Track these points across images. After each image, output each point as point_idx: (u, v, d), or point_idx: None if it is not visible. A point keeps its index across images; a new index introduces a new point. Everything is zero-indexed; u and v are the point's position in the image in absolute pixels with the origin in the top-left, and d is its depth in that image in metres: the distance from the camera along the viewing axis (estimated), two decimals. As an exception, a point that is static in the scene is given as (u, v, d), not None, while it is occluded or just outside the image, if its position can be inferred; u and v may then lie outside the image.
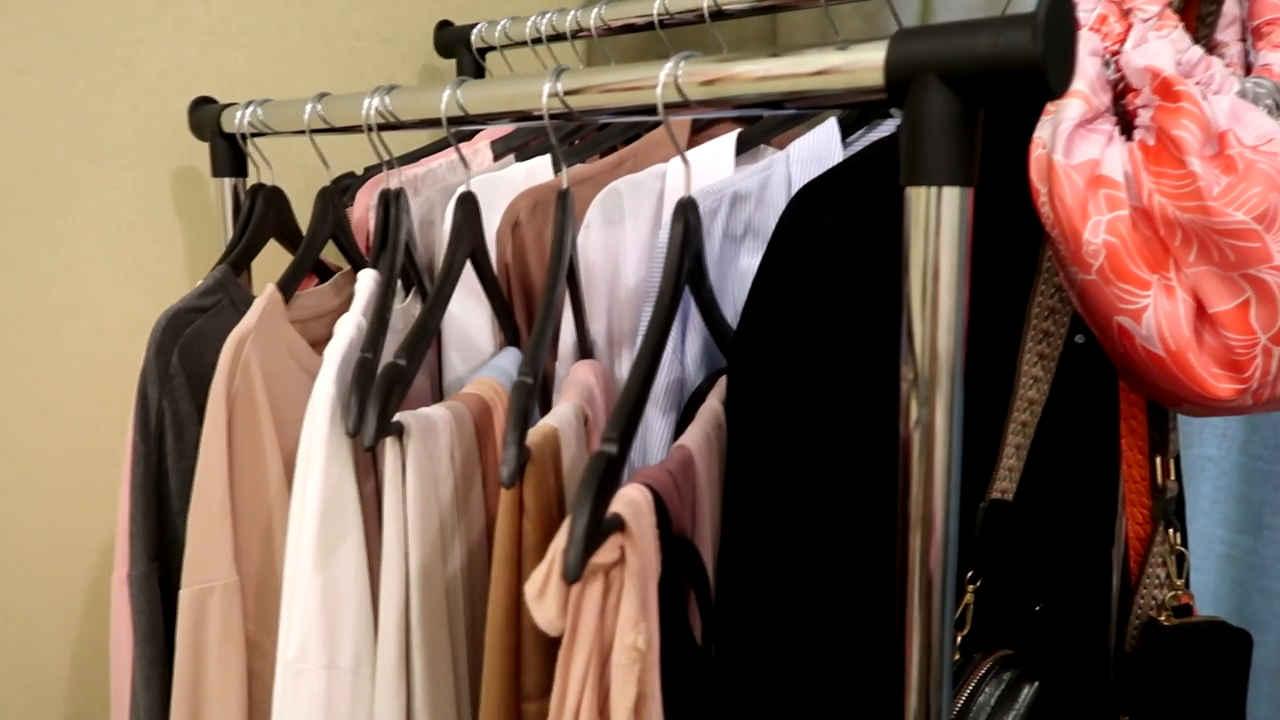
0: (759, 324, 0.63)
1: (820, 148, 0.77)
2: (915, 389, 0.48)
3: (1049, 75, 0.41)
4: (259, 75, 1.09)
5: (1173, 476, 0.69)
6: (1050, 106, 0.59)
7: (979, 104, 0.44)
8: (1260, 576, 0.98)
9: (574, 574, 0.41)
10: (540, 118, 0.63)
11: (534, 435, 0.52)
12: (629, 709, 0.44)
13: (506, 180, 0.94)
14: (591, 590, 0.44)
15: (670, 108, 0.56)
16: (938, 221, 0.46)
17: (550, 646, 0.47)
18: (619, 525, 0.44)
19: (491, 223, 0.87)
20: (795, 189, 0.78)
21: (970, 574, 0.65)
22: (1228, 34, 0.67)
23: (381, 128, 0.75)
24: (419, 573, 0.58)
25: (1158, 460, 0.69)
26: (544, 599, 0.44)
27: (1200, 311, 0.56)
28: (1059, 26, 0.41)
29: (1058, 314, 0.65)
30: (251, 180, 0.94)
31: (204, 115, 0.96)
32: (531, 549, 0.49)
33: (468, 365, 0.88)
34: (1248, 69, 0.66)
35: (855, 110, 0.79)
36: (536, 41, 1.07)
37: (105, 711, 1.03)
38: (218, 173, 0.96)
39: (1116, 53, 0.59)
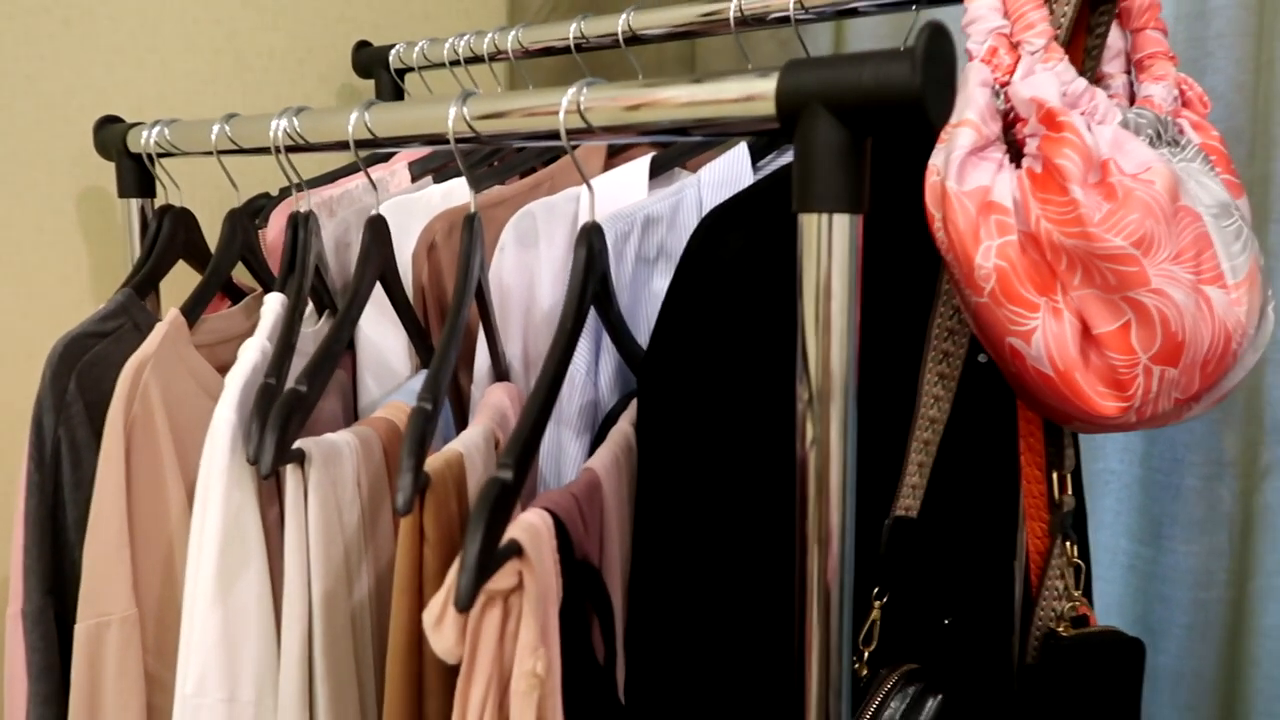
0: (667, 347, 0.64)
1: (730, 172, 0.78)
2: (810, 409, 0.49)
3: (928, 106, 0.42)
4: (168, 94, 1.07)
5: (1069, 491, 0.72)
6: (944, 135, 0.61)
7: (865, 134, 0.45)
8: (1161, 585, 1.02)
9: (465, 602, 0.40)
10: (448, 141, 0.63)
11: (435, 461, 0.52)
12: (528, 736, 0.44)
13: (423, 202, 0.93)
14: (490, 617, 0.44)
15: (573, 134, 0.57)
16: (829, 247, 0.47)
17: (452, 675, 0.47)
18: (517, 551, 0.44)
19: (408, 245, 0.87)
20: (706, 212, 0.80)
21: (877, 590, 0.66)
22: (1113, 66, 0.70)
23: (290, 149, 0.75)
24: (322, 601, 0.57)
25: (1054, 476, 0.71)
26: (441, 627, 0.43)
27: (1086, 333, 0.58)
28: (937, 60, 0.42)
29: (957, 335, 0.67)
30: (160, 201, 0.92)
31: (109, 135, 0.93)
32: (433, 576, 0.49)
33: (383, 389, 0.87)
34: (1132, 100, 0.69)
35: (764, 136, 0.81)
36: (455, 63, 1.07)
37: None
38: (124, 193, 0.94)
39: (1006, 84, 0.61)
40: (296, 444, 0.57)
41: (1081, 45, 0.68)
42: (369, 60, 1.17)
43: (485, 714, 0.44)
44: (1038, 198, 0.58)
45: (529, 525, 0.45)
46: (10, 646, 0.72)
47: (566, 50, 1.00)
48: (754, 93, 0.48)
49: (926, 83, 0.42)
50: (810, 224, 0.47)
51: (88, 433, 0.71)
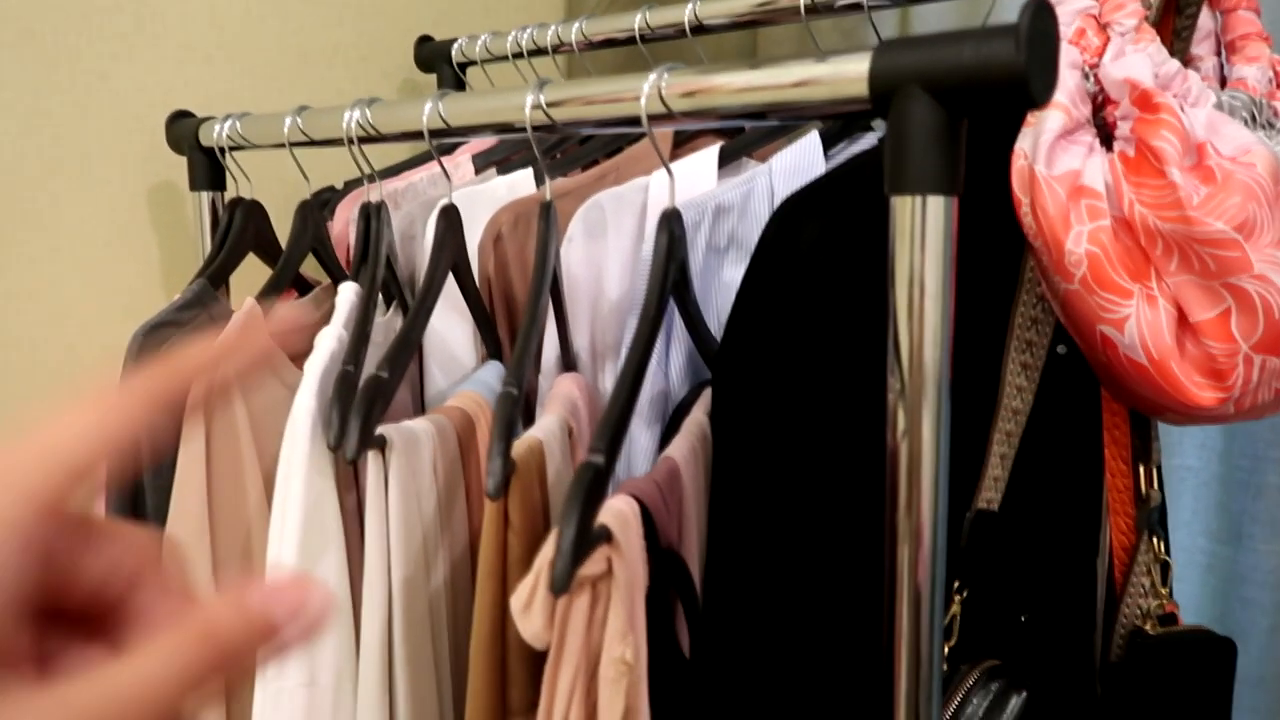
0: (743, 338, 0.63)
1: (802, 160, 0.77)
2: (902, 399, 0.48)
3: (1032, 85, 0.41)
4: (235, 91, 1.09)
5: (1156, 485, 0.70)
6: (1031, 118, 0.59)
7: (962, 114, 0.44)
8: (1241, 586, 0.99)
9: (561, 586, 0.40)
10: (523, 130, 0.63)
11: (518, 447, 0.51)
12: (617, 723, 0.44)
13: (488, 194, 0.93)
14: (579, 603, 0.44)
15: (654, 119, 0.56)
16: (923, 231, 0.46)
17: (536, 661, 0.47)
18: (606, 537, 0.44)
19: (473, 236, 0.87)
20: (777, 201, 0.78)
21: (957, 584, 0.65)
22: (1202, 48, 0.68)
23: (362, 141, 0.75)
24: (402, 587, 0.57)
25: (1141, 469, 0.69)
26: (530, 612, 0.43)
27: (1182, 320, 0.56)
28: (1041, 37, 0.41)
29: (1040, 324, 0.65)
30: (230, 195, 0.94)
31: (182, 129, 0.95)
32: (517, 562, 0.49)
33: (449, 379, 0.87)
34: (1222, 82, 0.67)
35: (837, 123, 0.80)
36: (518, 56, 1.07)
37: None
38: (195, 186, 0.95)
39: (1095, 65, 0.60)
40: (378, 430, 0.57)
41: (1170, 27, 0.66)
42: (431, 55, 1.18)
43: (573, 700, 0.44)
44: (1131, 181, 0.56)
45: (618, 512, 0.45)
46: (91, 631, 0.73)
47: (630, 41, 0.99)
48: (846, 74, 0.47)
49: (1031, 61, 0.41)
50: (904, 207, 0.46)
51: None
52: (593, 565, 0.43)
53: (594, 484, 0.43)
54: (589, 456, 0.44)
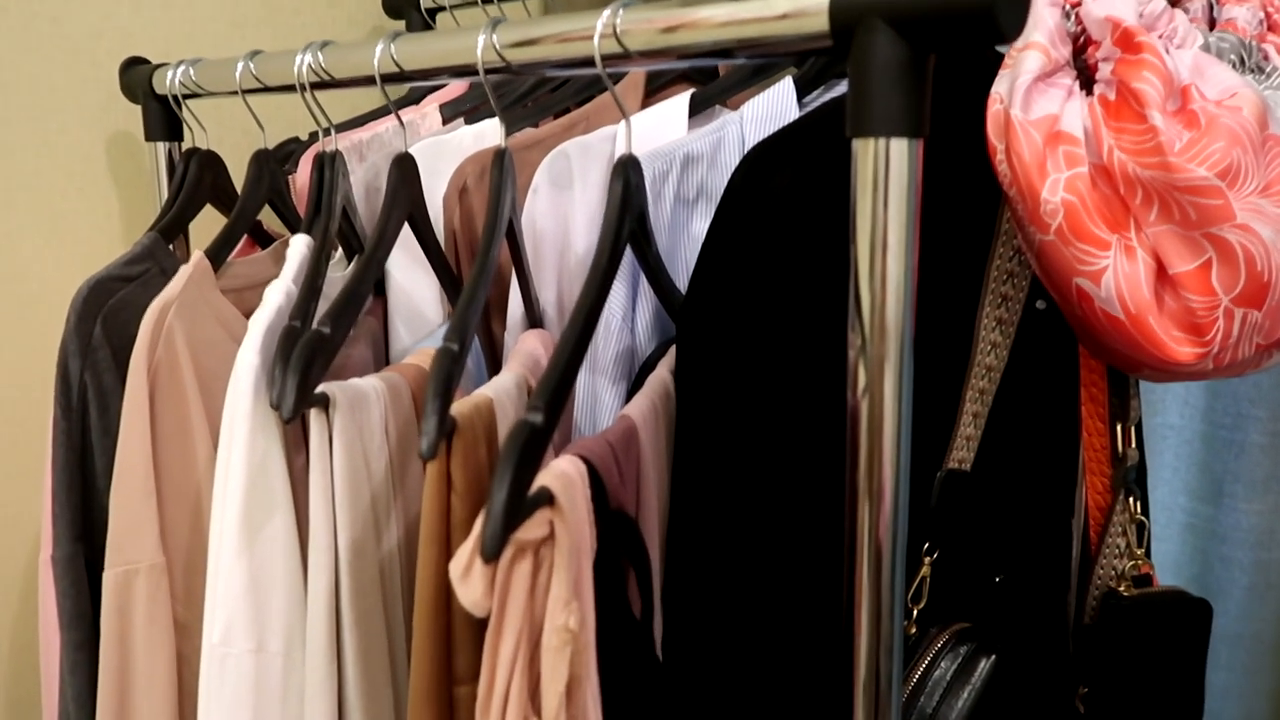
0: (709, 290, 0.61)
1: (775, 108, 0.74)
2: (863, 355, 0.46)
3: (1000, 17, 0.38)
4: (196, 37, 1.05)
5: (1133, 444, 0.68)
6: (1008, 60, 0.56)
7: (928, 50, 0.41)
8: (1221, 544, 0.98)
9: (492, 551, 0.38)
10: (477, 73, 0.60)
11: (464, 406, 0.49)
12: (560, 693, 0.42)
13: (454, 145, 0.90)
14: (520, 569, 0.42)
15: (610, 59, 0.53)
16: (885, 175, 0.43)
17: (482, 627, 0.45)
18: (548, 500, 0.41)
19: (439, 188, 0.84)
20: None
21: (927, 546, 0.63)
22: (1192, -13, 0.65)
23: (315, 86, 0.72)
24: (349, 551, 0.56)
25: (1118, 428, 0.67)
26: (469, 578, 0.41)
27: (1161, 273, 0.54)
28: (1011, -36, 0.38)
29: (1017, 278, 0.63)
30: (188, 145, 0.90)
31: (135, 76, 0.91)
32: (460, 526, 0.47)
33: (414, 336, 0.85)
34: (1211, 24, 0.64)
35: (811, 69, 0.76)
36: (487, 1, 1.03)
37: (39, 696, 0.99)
38: (151, 136, 0.92)
39: (1077, 4, 0.57)
40: (321, 388, 0.55)
41: (1158, -36, 0.63)
42: (399, 0, 1.13)
43: (515, 669, 0.42)
44: (1111, 127, 0.53)
45: (561, 473, 0.42)
46: (44, 592, 0.72)
47: (602, -15, 0.95)
48: (804, 7, 0.44)
49: (999, -11, 0.38)
50: (865, 150, 0.43)
51: (115, 379, 0.69)
52: (533, 529, 0.41)
53: (529, 442, 0.41)
54: (526, 414, 0.42)
